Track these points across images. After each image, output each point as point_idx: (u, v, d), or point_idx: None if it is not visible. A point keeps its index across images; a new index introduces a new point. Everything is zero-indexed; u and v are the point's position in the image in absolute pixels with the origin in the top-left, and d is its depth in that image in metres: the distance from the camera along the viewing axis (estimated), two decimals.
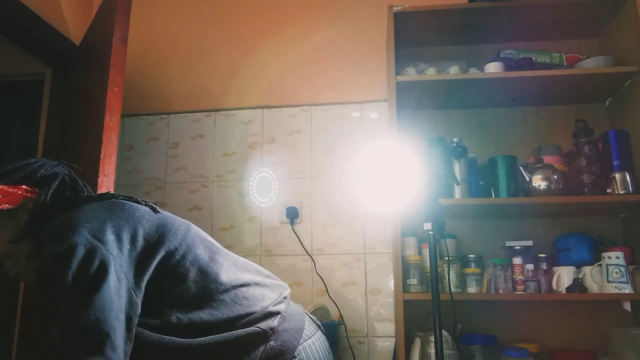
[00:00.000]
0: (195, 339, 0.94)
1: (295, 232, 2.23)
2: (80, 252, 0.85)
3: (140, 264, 0.92)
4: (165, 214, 1.06)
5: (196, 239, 1.04)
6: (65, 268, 0.83)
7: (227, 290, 1.00)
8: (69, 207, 0.99)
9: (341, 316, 2.09)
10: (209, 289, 0.98)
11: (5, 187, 1.02)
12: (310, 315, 1.16)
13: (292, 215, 2.24)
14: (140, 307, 0.90)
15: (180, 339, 0.93)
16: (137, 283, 0.90)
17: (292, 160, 2.33)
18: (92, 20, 2.22)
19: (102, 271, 0.85)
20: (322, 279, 2.16)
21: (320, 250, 2.22)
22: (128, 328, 0.86)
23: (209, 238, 1.10)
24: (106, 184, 1.64)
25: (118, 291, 0.85)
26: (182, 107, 2.46)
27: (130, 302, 0.88)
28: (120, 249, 0.90)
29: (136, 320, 0.89)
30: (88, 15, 2.43)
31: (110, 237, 0.90)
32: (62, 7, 2.29)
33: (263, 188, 2.31)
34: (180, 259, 0.98)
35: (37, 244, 0.97)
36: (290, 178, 2.31)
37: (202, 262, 1.00)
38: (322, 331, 1.16)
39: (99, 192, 1.56)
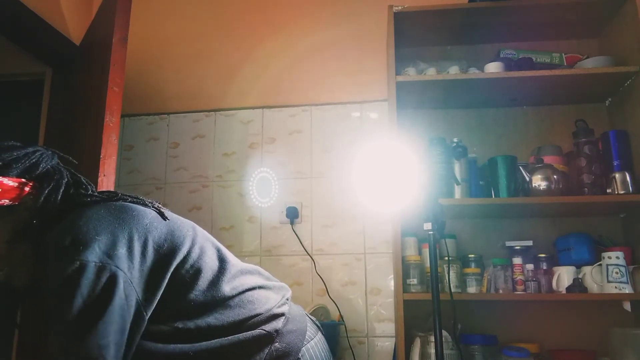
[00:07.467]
0: (202, 343, 0.93)
1: (295, 232, 2.23)
2: (91, 272, 0.81)
3: (151, 278, 0.89)
4: (173, 218, 1.02)
5: (205, 244, 1.02)
6: (74, 291, 0.80)
7: (233, 297, 0.99)
8: (74, 207, 0.94)
9: (341, 316, 2.09)
10: (216, 297, 0.97)
11: (5, 181, 0.90)
12: (310, 316, 1.16)
13: (292, 215, 2.24)
14: (146, 322, 0.88)
15: (186, 345, 0.92)
16: (147, 298, 0.88)
17: (292, 160, 2.33)
18: (92, 20, 2.22)
19: (109, 292, 0.82)
20: (322, 279, 2.16)
21: (320, 250, 2.22)
22: (129, 347, 0.85)
23: (216, 243, 1.07)
24: (106, 184, 1.64)
25: (123, 311, 0.83)
26: (182, 107, 2.46)
27: (137, 319, 0.86)
28: (131, 260, 0.87)
29: (138, 337, 0.87)
30: (88, 15, 2.43)
31: (121, 250, 0.86)
32: (62, 7, 2.29)
33: (263, 188, 2.31)
34: (189, 268, 0.95)
35: (40, 251, 0.90)
36: (290, 178, 2.31)
37: (210, 272, 0.98)
38: (322, 332, 1.16)
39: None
